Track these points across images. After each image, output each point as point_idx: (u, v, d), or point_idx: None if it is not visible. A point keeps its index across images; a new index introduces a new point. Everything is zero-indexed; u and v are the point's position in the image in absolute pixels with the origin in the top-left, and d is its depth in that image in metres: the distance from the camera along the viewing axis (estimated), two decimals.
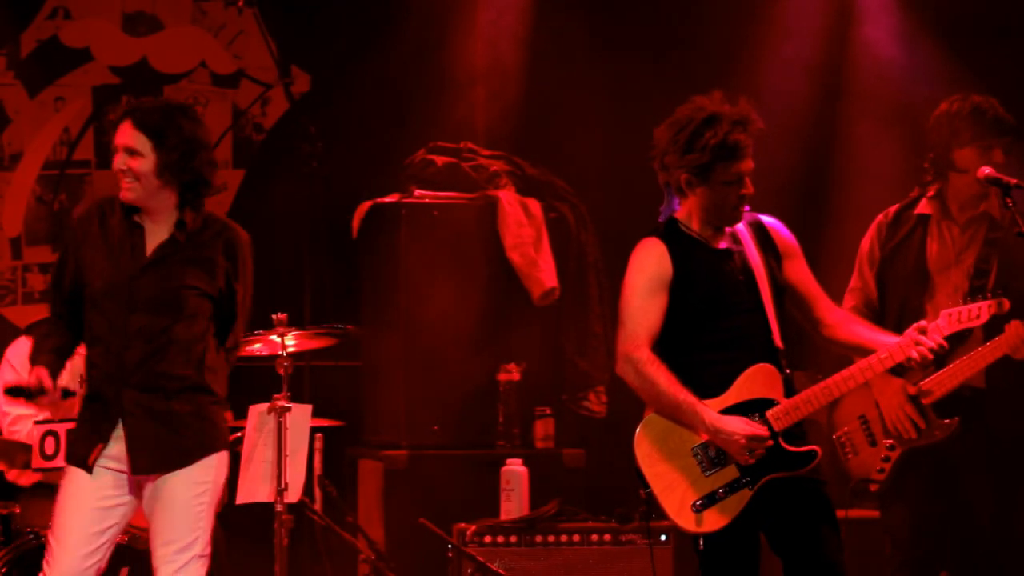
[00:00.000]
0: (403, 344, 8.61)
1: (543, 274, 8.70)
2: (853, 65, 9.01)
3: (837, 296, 6.67)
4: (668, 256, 5.87)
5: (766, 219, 6.05)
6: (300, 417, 7.01)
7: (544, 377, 8.78)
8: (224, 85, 9.58)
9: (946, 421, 6.74)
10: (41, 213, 9.36)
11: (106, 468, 5.82)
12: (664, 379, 5.78)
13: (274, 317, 7.17)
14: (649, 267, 5.88)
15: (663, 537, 7.74)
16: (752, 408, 5.81)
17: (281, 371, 7.05)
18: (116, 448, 5.81)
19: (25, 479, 7.40)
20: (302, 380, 8.40)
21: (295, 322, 7.33)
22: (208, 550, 5.87)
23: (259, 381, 7.33)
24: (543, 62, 9.20)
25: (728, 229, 5.95)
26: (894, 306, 6.97)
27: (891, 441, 6.79)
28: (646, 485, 5.82)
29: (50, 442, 6.55)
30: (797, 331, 6.07)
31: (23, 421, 7.64)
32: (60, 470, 6.00)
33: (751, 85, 7.67)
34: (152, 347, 5.78)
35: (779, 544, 5.87)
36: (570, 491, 8.24)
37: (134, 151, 5.79)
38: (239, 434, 7.25)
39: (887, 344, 5.94)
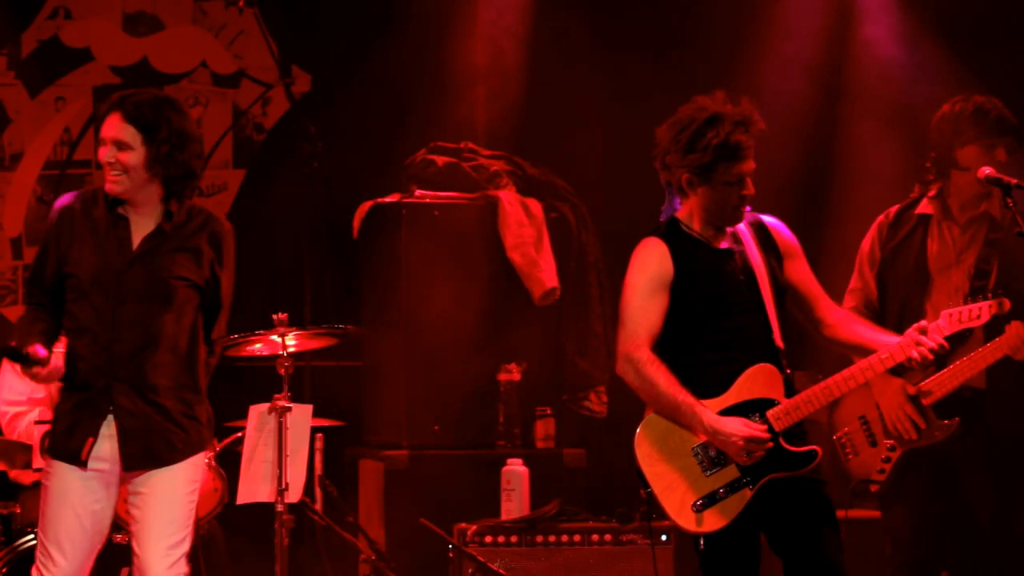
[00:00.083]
0: (404, 344, 8.61)
1: (544, 274, 8.70)
2: (853, 65, 9.00)
3: (837, 296, 6.67)
4: (669, 256, 5.87)
5: (767, 219, 6.05)
6: (301, 417, 7.02)
7: (545, 377, 8.77)
8: (225, 85, 9.58)
9: (946, 422, 6.74)
10: (42, 213, 9.34)
11: (93, 468, 5.78)
12: (664, 379, 5.77)
13: (275, 317, 7.17)
14: (650, 267, 5.87)
15: (664, 537, 7.74)
16: (752, 408, 5.81)
17: (282, 371, 7.06)
18: (105, 445, 5.77)
19: (26, 478, 7.41)
20: (303, 380, 8.41)
21: (296, 322, 7.34)
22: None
23: (260, 381, 7.34)
24: (544, 62, 9.21)
25: (729, 229, 5.95)
26: (894, 306, 6.96)
27: (892, 442, 6.79)
28: (646, 485, 5.82)
29: None
30: (798, 331, 6.07)
31: (21, 419, 7.65)
32: None
33: (751, 85, 7.66)
34: (142, 340, 5.76)
35: (779, 544, 5.87)
36: (571, 491, 8.25)
37: (123, 144, 5.76)
38: (239, 434, 7.26)
39: (888, 344, 5.94)
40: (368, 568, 8.07)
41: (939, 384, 6.71)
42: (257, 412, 6.98)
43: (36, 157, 9.39)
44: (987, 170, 6.62)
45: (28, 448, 7.00)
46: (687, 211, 5.93)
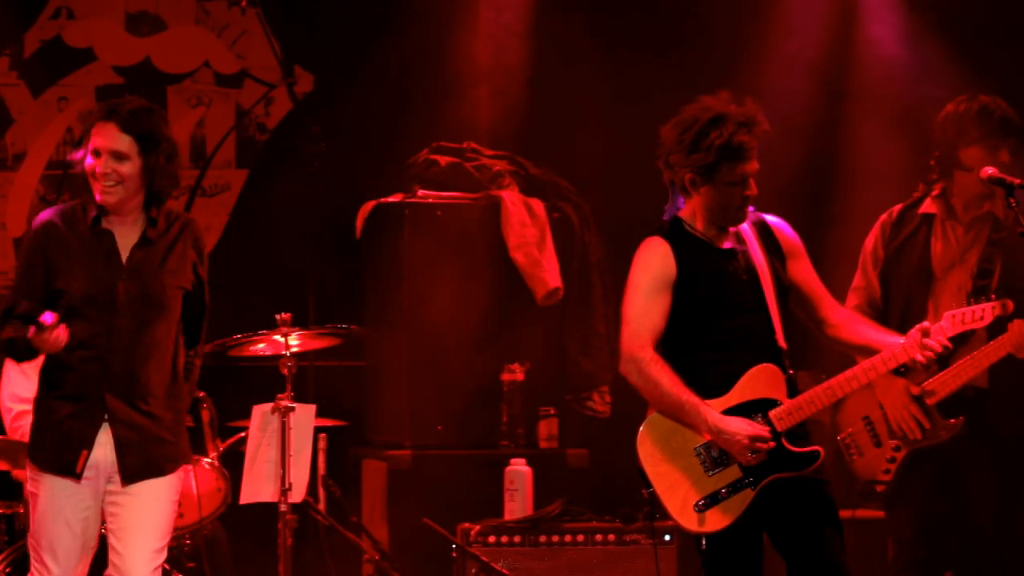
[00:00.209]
0: (407, 344, 8.61)
1: (547, 274, 8.69)
2: (857, 64, 9.00)
3: (840, 296, 6.66)
4: (672, 256, 5.86)
5: (770, 219, 6.04)
6: (304, 417, 7.02)
7: (548, 377, 8.77)
8: (227, 85, 9.58)
9: (951, 421, 6.73)
10: None
11: (84, 477, 5.75)
12: (667, 379, 5.77)
13: (278, 317, 7.18)
14: (653, 266, 5.87)
15: (667, 537, 7.74)
16: (755, 408, 5.80)
17: (285, 371, 7.06)
18: (96, 453, 5.73)
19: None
20: (306, 380, 8.40)
21: (299, 322, 7.34)
22: None
23: (263, 381, 7.35)
24: (546, 62, 9.20)
25: (732, 229, 5.94)
26: (897, 305, 6.96)
27: (896, 442, 6.79)
28: (649, 485, 5.81)
29: None
30: (801, 331, 6.06)
31: (25, 417, 7.64)
32: None
33: (754, 84, 7.66)
34: (137, 351, 5.72)
35: (783, 544, 5.86)
36: (574, 491, 8.24)
37: (121, 155, 5.69)
38: (243, 434, 7.26)
39: (891, 345, 5.93)
40: (371, 568, 8.08)
41: (942, 384, 6.71)
42: (260, 412, 6.98)
43: (39, 157, 9.39)
44: (990, 170, 6.61)
45: None
46: (690, 211, 5.93)
